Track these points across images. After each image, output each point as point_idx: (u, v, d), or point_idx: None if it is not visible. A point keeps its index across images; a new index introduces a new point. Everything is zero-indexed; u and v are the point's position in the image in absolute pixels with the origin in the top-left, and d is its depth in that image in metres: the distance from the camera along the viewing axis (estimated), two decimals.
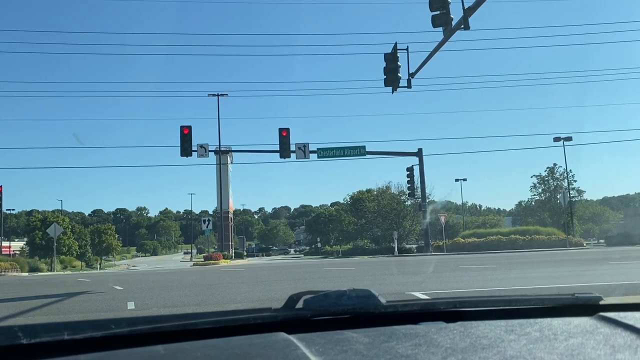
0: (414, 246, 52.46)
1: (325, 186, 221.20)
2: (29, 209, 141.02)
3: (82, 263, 59.63)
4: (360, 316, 1.50)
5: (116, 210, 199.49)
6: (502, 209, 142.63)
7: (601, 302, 1.66)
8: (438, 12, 14.00)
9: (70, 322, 1.24)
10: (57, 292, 13.99)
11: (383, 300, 1.54)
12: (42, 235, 55.12)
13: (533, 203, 77.16)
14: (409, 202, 59.23)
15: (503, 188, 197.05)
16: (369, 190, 72.13)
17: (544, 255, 27.12)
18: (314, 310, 1.48)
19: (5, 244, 78.96)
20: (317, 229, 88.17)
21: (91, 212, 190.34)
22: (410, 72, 18.79)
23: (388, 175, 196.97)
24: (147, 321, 1.31)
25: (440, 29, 14.76)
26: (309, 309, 1.49)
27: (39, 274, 35.83)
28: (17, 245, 77.33)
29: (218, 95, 44.88)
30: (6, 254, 61.64)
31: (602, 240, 63.28)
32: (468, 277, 13.89)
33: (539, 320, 1.50)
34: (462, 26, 13.85)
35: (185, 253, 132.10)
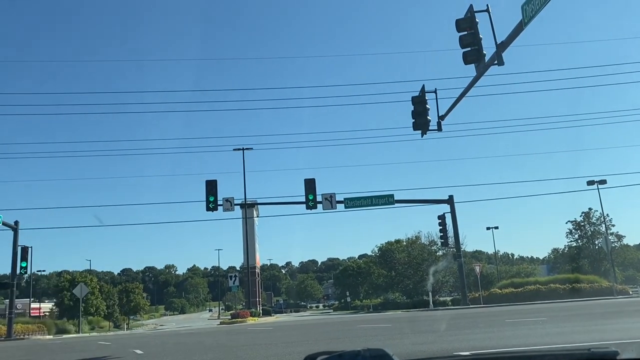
0: (449, 298, 50.28)
1: (352, 238, 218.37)
2: (59, 270, 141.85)
3: (110, 323, 58.72)
4: None
5: (145, 268, 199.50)
6: (535, 257, 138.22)
7: (618, 357, 1.64)
8: (469, 49, 13.32)
9: None
10: (74, 358, 13.09)
11: None
12: (70, 296, 54.62)
13: (567, 250, 74.30)
14: (440, 253, 57.34)
15: (535, 235, 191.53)
16: (398, 241, 70.20)
17: (596, 305, 25.18)
18: None
19: (35, 305, 79.01)
20: (345, 282, 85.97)
21: (120, 271, 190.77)
22: (440, 114, 18.04)
23: (417, 225, 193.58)
24: None
25: (464, 72, 14.09)
26: None
27: (64, 336, 35.00)
28: (47, 306, 77.13)
29: (243, 149, 44.77)
30: (35, 316, 61.32)
31: None
32: (520, 333, 12.54)
33: None
34: (496, 62, 13.10)
35: (210, 310, 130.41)
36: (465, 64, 13.51)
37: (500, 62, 13.10)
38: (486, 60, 13.42)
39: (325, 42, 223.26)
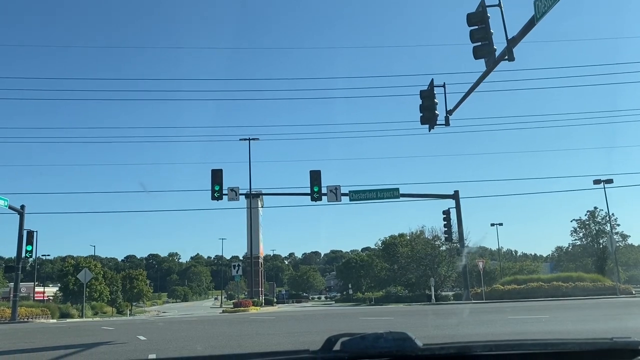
0: (451, 293, 50.35)
1: (356, 231, 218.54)
2: (64, 255, 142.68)
3: (113, 309, 59.09)
4: (397, 359, 1.52)
5: (149, 255, 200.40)
6: (538, 255, 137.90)
7: None
8: (480, 44, 13.23)
9: None
10: (77, 342, 13.20)
11: (420, 343, 1.57)
12: (74, 281, 55.03)
13: (571, 248, 74.18)
14: (443, 247, 57.31)
15: (539, 233, 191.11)
16: (401, 235, 70.29)
17: (599, 303, 25.16)
18: (351, 352, 1.52)
19: (39, 289, 79.62)
20: (348, 274, 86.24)
21: (124, 257, 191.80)
22: (448, 109, 17.95)
23: (421, 219, 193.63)
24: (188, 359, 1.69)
25: (474, 67, 14.01)
26: (347, 351, 1.52)
27: (68, 320, 35.27)
28: (51, 290, 77.78)
29: (249, 139, 44.79)
30: (39, 300, 61.81)
31: None
32: (522, 329, 12.55)
33: None
34: (506, 57, 13.02)
35: (215, 299, 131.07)
36: (476, 58, 13.43)
37: (511, 58, 13.02)
38: (496, 56, 13.34)
39: (333, 34, 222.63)
